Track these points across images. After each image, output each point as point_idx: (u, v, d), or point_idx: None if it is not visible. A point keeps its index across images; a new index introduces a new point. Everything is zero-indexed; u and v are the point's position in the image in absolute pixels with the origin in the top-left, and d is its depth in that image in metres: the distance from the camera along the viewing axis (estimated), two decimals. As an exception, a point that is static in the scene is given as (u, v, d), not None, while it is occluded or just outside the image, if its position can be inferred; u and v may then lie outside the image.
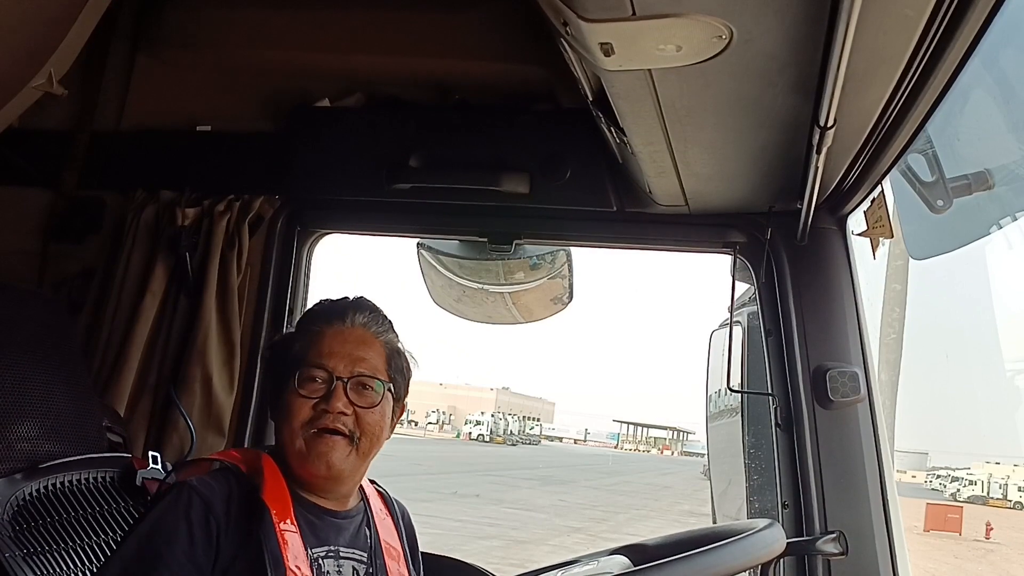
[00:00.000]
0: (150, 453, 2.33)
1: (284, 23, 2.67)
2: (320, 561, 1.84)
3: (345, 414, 1.84)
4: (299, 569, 1.76)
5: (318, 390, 1.85)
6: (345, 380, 1.86)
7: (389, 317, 2.00)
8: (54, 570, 1.95)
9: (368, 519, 1.99)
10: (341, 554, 1.88)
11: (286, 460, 1.86)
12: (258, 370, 2.70)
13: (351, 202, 2.78)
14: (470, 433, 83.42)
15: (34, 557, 1.91)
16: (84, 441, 2.10)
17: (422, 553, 2.39)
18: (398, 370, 1.96)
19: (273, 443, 1.94)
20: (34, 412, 2.01)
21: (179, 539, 1.70)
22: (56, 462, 1.88)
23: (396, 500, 2.12)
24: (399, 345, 1.98)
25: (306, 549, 1.81)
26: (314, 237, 2.85)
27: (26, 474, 1.96)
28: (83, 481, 2.09)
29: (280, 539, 1.76)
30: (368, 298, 2.00)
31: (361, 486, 1.99)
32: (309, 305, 2.84)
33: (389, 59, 2.65)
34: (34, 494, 1.97)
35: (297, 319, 2.04)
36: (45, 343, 2.13)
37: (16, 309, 2.11)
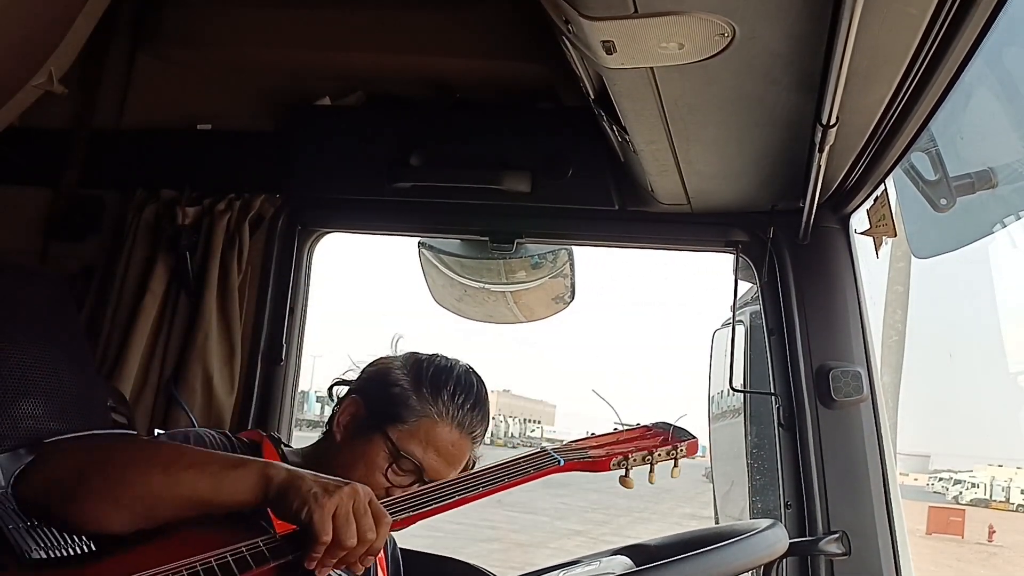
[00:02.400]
0: (156, 431, 2.31)
1: (285, 21, 2.66)
2: None
3: None
4: None
5: (401, 476, 1.83)
6: (426, 480, 1.83)
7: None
8: (57, 542, 1.94)
9: None
10: None
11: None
12: (258, 371, 2.70)
13: (352, 201, 2.78)
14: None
15: (37, 529, 1.90)
16: (89, 420, 2.09)
17: (425, 554, 2.38)
18: None
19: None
20: (39, 391, 1.99)
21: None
22: (61, 438, 1.88)
23: None
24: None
25: None
26: (315, 236, 2.84)
27: (30, 449, 1.93)
28: (87, 457, 2.07)
29: None
30: (487, 397, 1.94)
31: None
32: (309, 305, 2.85)
33: (390, 57, 2.64)
34: None
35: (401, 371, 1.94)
36: (49, 322, 2.12)
37: (20, 288, 2.10)
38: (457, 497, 1.67)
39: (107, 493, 1.46)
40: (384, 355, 2.03)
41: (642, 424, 1.90)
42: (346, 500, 1.42)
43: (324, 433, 1.96)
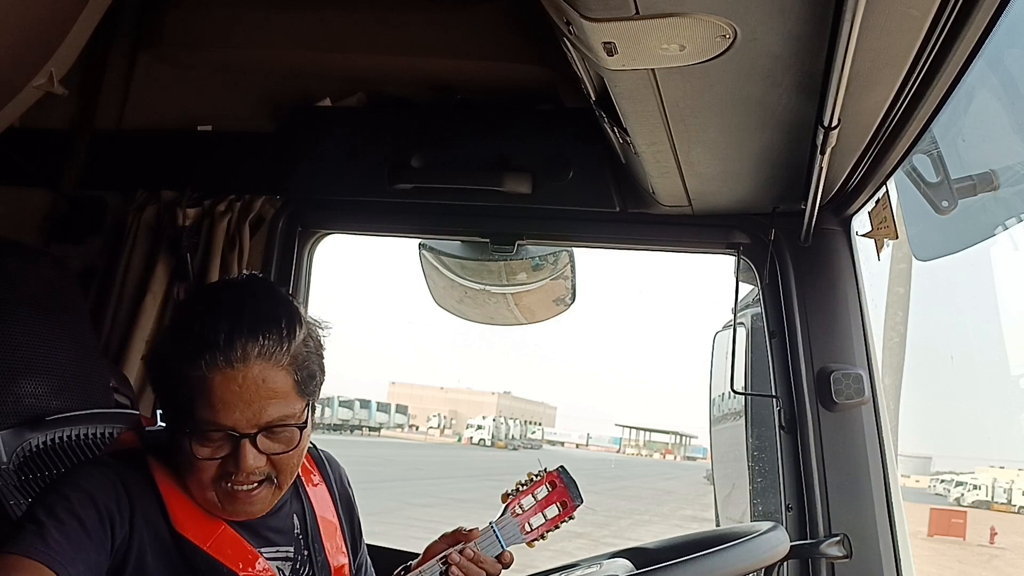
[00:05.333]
0: (158, 411, 2.29)
1: (285, 23, 2.66)
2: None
3: (259, 466, 1.55)
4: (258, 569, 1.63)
5: (221, 448, 1.54)
6: (252, 435, 1.53)
7: (287, 306, 1.56)
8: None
9: (298, 499, 1.76)
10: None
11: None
12: None
13: (352, 202, 2.78)
14: (471, 437, 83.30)
15: None
16: (90, 399, 2.09)
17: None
18: (310, 377, 1.58)
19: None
20: (41, 369, 2.00)
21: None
22: (63, 415, 1.87)
23: (328, 457, 1.88)
24: (306, 346, 1.57)
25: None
26: (315, 237, 2.84)
27: (33, 426, 1.95)
28: (89, 435, 2.06)
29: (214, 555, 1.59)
30: (259, 299, 1.57)
31: None
32: (311, 307, 2.86)
33: (391, 58, 2.64)
34: (40, 446, 1.95)
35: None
36: (52, 301, 2.12)
37: (24, 266, 2.10)
38: None
39: None
40: None
41: (549, 471, 1.96)
42: None
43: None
